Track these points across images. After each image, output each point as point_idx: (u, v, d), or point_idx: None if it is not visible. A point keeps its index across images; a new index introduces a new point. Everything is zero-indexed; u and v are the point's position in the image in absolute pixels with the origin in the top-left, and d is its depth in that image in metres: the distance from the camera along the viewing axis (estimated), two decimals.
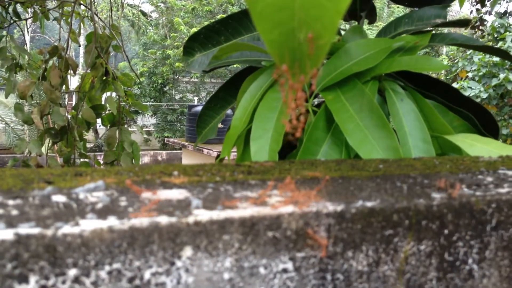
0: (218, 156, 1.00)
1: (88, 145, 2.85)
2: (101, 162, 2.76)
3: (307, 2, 0.33)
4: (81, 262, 0.31)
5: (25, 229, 0.30)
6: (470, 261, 0.44)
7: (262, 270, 0.37)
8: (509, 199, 0.45)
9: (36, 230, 0.31)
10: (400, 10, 14.36)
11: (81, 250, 0.31)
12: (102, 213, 0.34)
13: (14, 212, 0.34)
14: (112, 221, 0.33)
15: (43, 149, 2.62)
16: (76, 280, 0.32)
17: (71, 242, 0.31)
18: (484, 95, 6.07)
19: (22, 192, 0.38)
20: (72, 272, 0.31)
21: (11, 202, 0.36)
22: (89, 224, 0.32)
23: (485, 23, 7.04)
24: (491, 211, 0.44)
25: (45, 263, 0.31)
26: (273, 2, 0.33)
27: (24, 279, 0.30)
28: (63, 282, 0.31)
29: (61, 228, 0.31)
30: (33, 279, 0.31)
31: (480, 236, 0.44)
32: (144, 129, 12.83)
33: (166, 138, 10.44)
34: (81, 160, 2.76)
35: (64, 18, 3.02)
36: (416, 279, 0.42)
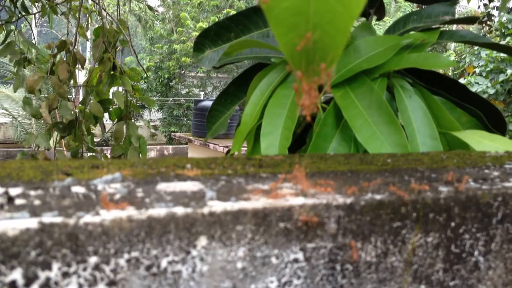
0: (228, 151, 1.01)
1: (95, 139, 2.88)
2: (109, 156, 2.79)
3: (322, 8, 0.34)
4: (101, 250, 0.33)
5: (48, 218, 0.32)
6: (476, 253, 0.45)
7: (274, 260, 0.38)
8: None
9: (59, 219, 0.32)
10: (407, 5, 14.30)
11: (102, 238, 0.33)
12: (120, 204, 0.35)
13: (37, 202, 0.35)
14: (131, 211, 0.34)
15: (51, 143, 2.64)
16: (97, 267, 0.33)
17: (92, 231, 0.32)
18: (491, 91, 6.05)
19: (42, 183, 0.40)
20: (93, 260, 0.33)
21: (32, 192, 0.37)
22: (109, 214, 0.33)
23: (493, 18, 7.01)
24: (497, 204, 0.45)
25: (68, 250, 0.32)
26: (288, 7, 0.34)
27: (47, 266, 0.32)
28: (84, 269, 0.33)
29: (82, 217, 0.32)
30: (55, 266, 0.32)
31: (486, 229, 0.45)
32: (150, 124, 12.86)
33: (172, 133, 10.47)
34: (89, 154, 2.78)
35: (72, 12, 3.04)
36: (423, 270, 0.43)
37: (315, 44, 0.36)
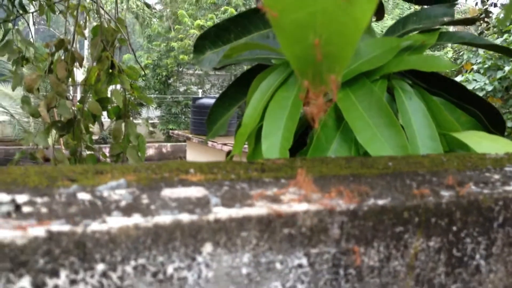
0: (229, 152, 1.02)
1: (93, 137, 2.87)
2: (107, 154, 2.79)
3: (329, 20, 0.34)
4: (108, 257, 0.33)
5: (56, 226, 0.32)
6: (477, 256, 0.45)
7: (278, 265, 0.38)
8: None
9: (66, 227, 0.32)
10: (404, 2, 14.25)
11: (109, 246, 0.33)
12: (126, 211, 0.36)
13: (44, 210, 0.35)
14: (137, 219, 0.34)
15: (50, 142, 2.64)
16: (104, 274, 0.33)
17: (99, 239, 0.33)
18: (489, 88, 6.05)
19: (48, 190, 0.40)
20: (100, 267, 0.33)
21: (39, 199, 0.38)
22: (115, 222, 0.34)
23: (491, 15, 7.01)
24: (498, 208, 0.45)
25: (75, 258, 0.32)
26: (295, 20, 0.34)
27: (55, 274, 0.32)
28: (92, 276, 0.33)
29: (89, 225, 0.33)
30: (63, 273, 0.32)
31: (487, 232, 0.45)
32: (149, 122, 12.86)
33: (170, 130, 10.48)
34: (88, 152, 2.78)
35: (69, 11, 3.03)
36: (425, 274, 0.44)
37: (322, 55, 0.37)
